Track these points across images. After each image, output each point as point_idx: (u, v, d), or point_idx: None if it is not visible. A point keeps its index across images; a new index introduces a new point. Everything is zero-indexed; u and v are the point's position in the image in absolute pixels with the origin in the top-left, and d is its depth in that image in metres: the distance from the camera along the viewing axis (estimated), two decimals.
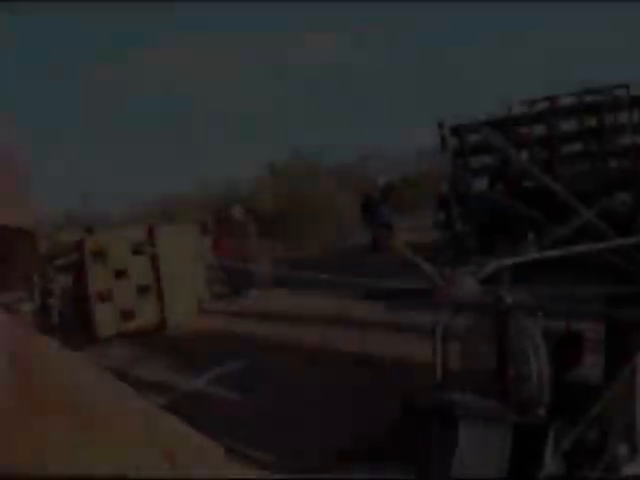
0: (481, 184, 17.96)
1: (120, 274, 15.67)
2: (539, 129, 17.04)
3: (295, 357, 10.98)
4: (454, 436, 4.68)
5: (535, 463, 4.45)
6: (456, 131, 17.01)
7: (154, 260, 15.72)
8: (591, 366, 5.75)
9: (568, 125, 16.69)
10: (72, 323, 17.02)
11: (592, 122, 16.26)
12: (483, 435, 4.64)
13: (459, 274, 3.58)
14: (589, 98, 16.59)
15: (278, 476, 6.90)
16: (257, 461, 7.16)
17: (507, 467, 4.56)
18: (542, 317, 5.19)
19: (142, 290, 15.79)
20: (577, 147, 16.92)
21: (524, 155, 16.42)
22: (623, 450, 4.70)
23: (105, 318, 15.45)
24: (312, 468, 6.69)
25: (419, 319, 9.64)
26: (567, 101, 17.10)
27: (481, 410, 4.82)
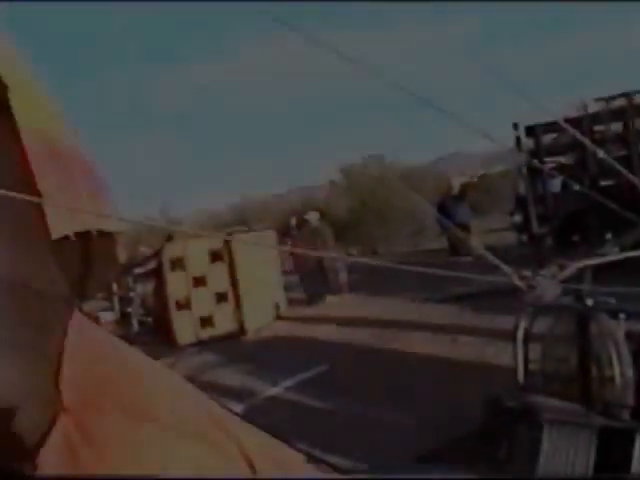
0: (557, 184, 17.73)
1: (198, 281, 15.81)
2: (616, 127, 16.76)
3: (375, 361, 10.96)
4: (538, 439, 4.62)
5: (621, 467, 4.37)
6: (531, 131, 16.81)
7: (232, 267, 15.82)
8: None
9: None
10: (152, 331, 17.26)
11: None
12: (568, 439, 4.57)
13: (539, 276, 3.53)
14: None
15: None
16: (337, 467, 7.16)
17: (592, 471, 4.48)
18: (624, 319, 5.09)
19: (220, 297, 15.91)
20: None
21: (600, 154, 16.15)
22: None
23: (184, 325, 15.61)
24: (390, 471, 6.66)
25: (499, 321, 9.55)
26: None
27: (565, 414, 4.75)
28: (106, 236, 1.22)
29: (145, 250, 20.81)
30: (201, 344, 15.23)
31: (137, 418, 1.20)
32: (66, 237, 1.11)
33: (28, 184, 1.11)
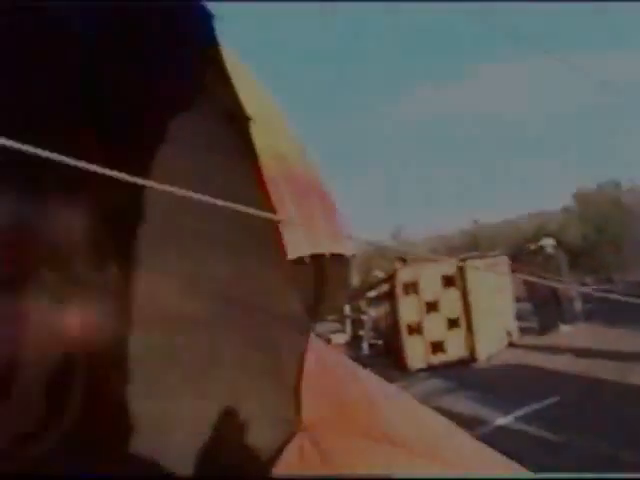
0: None
1: (431, 306, 15.82)
2: None
3: (609, 395, 10.57)
4: None
5: None
6: None
7: (464, 293, 15.74)
8: None
9: None
10: (382, 354, 17.43)
11: None
12: None
13: None
14: None
15: None
16: None
17: None
18: None
19: (452, 323, 15.86)
20: None
21: None
22: None
23: (415, 350, 15.67)
24: None
25: None
26: None
27: None
28: (339, 259, 1.25)
29: (378, 274, 21.05)
30: (431, 369, 15.24)
31: (376, 439, 1.22)
32: (301, 260, 1.16)
33: (268, 210, 1.16)
